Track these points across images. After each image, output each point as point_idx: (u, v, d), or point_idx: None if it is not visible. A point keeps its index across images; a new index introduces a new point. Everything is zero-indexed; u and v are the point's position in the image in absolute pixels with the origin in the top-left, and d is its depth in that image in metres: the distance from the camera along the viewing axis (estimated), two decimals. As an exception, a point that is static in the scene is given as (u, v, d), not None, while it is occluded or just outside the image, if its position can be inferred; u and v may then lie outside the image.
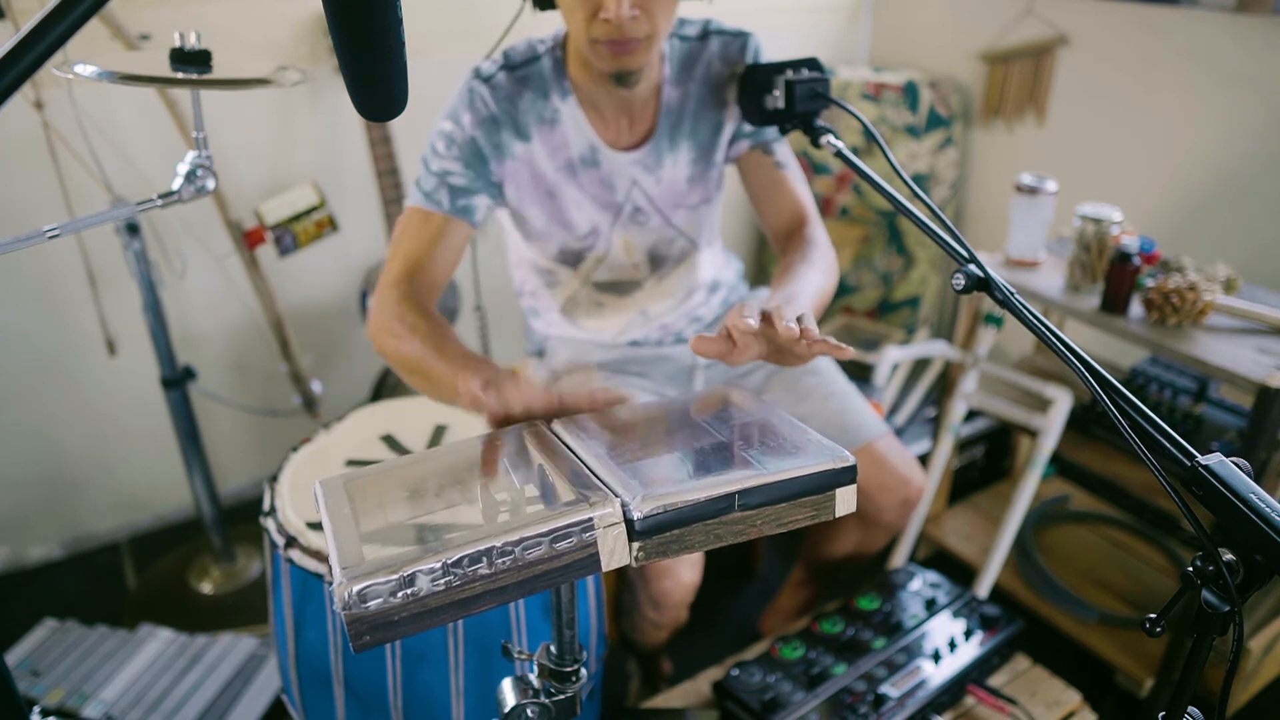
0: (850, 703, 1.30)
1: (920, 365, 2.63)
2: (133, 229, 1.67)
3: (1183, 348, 1.43)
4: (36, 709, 1.36)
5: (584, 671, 0.82)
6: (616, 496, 0.66)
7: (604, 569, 0.65)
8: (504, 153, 1.27)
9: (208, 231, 2.04)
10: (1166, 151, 2.19)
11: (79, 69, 0.98)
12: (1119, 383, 0.72)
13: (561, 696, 0.81)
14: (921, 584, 1.54)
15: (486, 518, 0.67)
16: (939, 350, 1.92)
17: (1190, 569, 0.64)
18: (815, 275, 1.18)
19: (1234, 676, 0.67)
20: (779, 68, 1.16)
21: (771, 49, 1.34)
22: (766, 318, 0.90)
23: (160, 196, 1.07)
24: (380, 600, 0.59)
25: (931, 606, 1.48)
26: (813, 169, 2.64)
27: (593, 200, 1.33)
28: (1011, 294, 0.83)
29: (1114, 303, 1.53)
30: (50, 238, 0.92)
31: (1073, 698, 1.43)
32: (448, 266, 1.25)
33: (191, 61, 1.03)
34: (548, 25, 1.29)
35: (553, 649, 0.81)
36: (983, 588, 1.79)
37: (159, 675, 1.71)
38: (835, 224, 2.67)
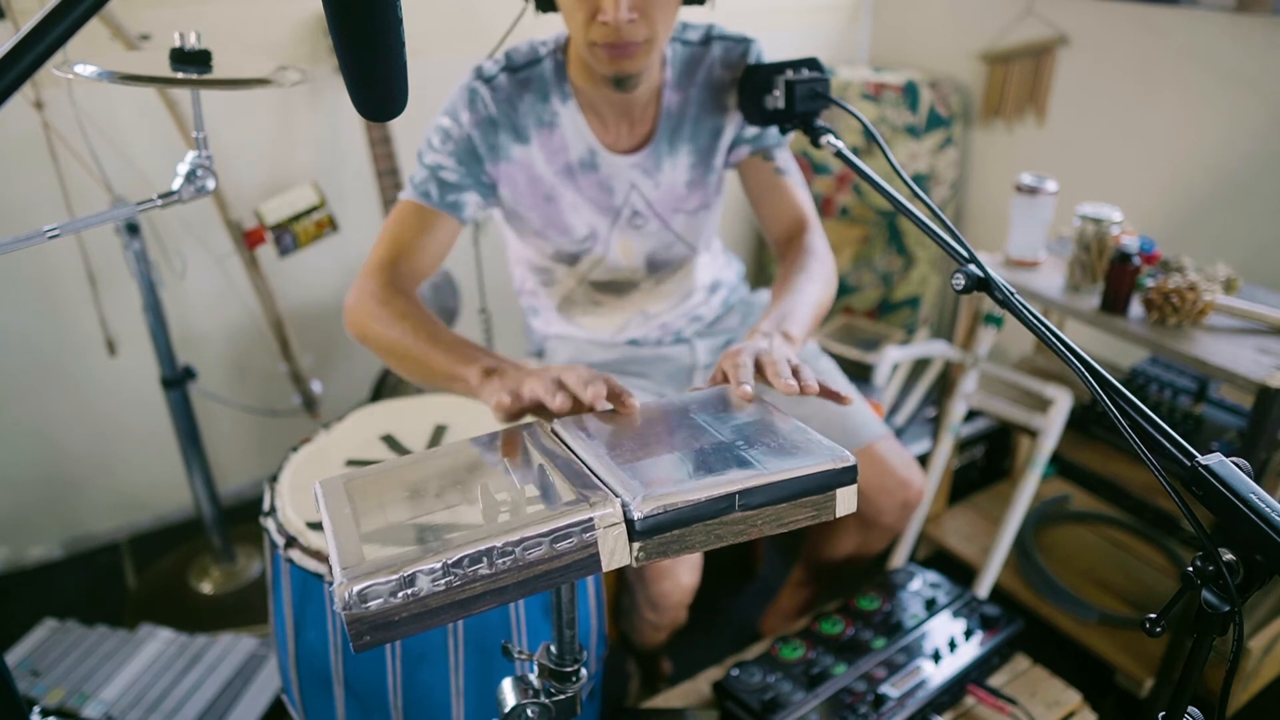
0: (850, 703, 1.30)
1: (920, 365, 2.63)
2: (133, 229, 1.67)
3: (1183, 348, 1.43)
4: (36, 709, 1.36)
5: (584, 671, 0.82)
6: (617, 496, 0.66)
7: (604, 569, 0.65)
8: (500, 155, 1.27)
9: (208, 231, 2.04)
10: (1166, 151, 2.19)
11: (79, 69, 0.98)
12: (1119, 383, 0.73)
13: (561, 696, 0.81)
14: (921, 584, 1.55)
15: (487, 518, 0.67)
16: (939, 350, 1.92)
17: (1190, 569, 0.64)
18: (813, 287, 1.18)
19: (1234, 676, 0.67)
20: (779, 68, 1.16)
21: (771, 49, 1.34)
22: (760, 369, 0.92)
23: (160, 196, 1.07)
24: (381, 600, 0.59)
25: (931, 606, 1.48)
26: (813, 169, 2.64)
27: (591, 204, 1.33)
28: (1011, 294, 0.83)
29: (1114, 303, 1.53)
30: (50, 238, 0.92)
31: (1073, 698, 1.43)
32: (433, 259, 1.25)
33: (191, 61, 1.03)
34: (549, 27, 1.30)
35: (553, 649, 0.81)
36: (983, 588, 1.79)
37: (159, 675, 1.71)
38: (835, 224, 2.67)
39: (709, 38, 1.32)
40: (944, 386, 1.96)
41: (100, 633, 1.82)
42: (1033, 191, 1.66)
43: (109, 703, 1.64)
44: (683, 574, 1.36)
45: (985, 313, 1.79)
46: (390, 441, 1.34)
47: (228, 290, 2.13)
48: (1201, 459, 0.65)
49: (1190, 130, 2.13)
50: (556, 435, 0.83)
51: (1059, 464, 1.95)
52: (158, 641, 1.79)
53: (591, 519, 0.64)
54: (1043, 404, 1.74)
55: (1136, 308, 1.55)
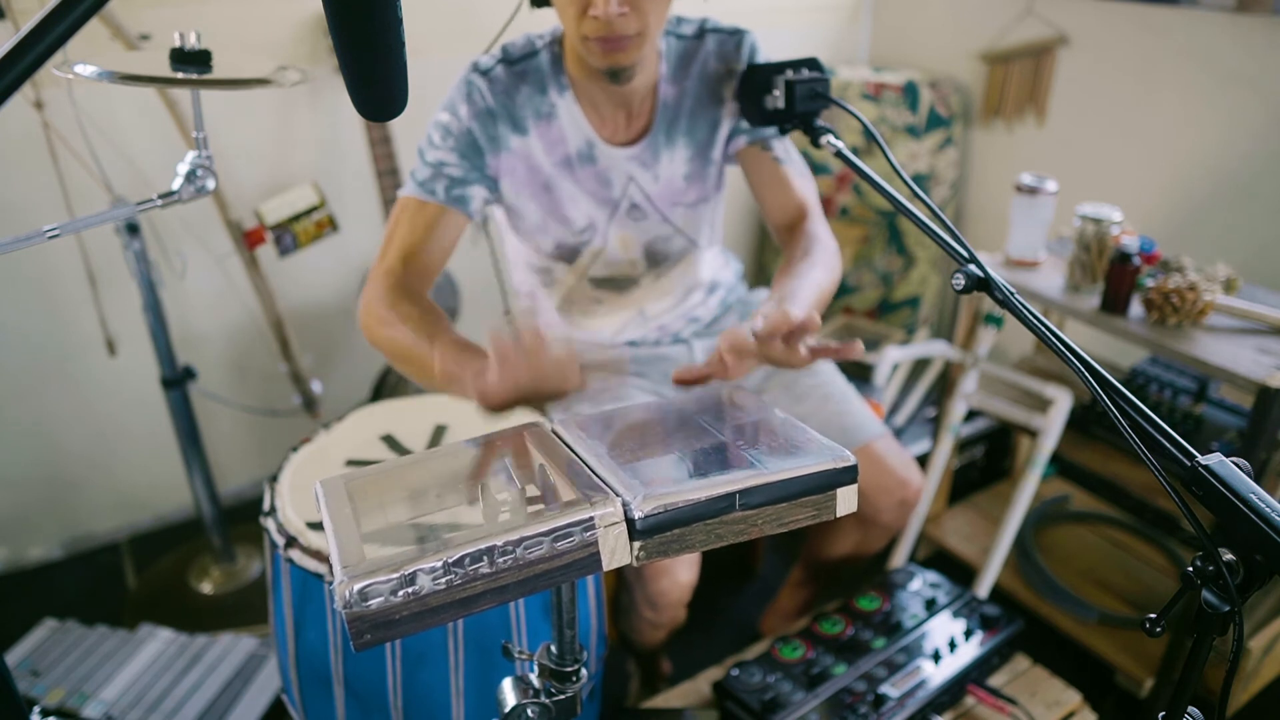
0: (850, 703, 1.30)
1: (920, 365, 2.63)
2: (133, 229, 1.67)
3: (1183, 348, 1.43)
4: (36, 709, 1.36)
5: (584, 671, 0.82)
6: (617, 496, 0.66)
7: (605, 568, 0.65)
8: (500, 146, 1.27)
9: (208, 231, 2.04)
10: (1166, 151, 2.19)
11: (79, 69, 0.98)
12: (1119, 383, 0.73)
13: (561, 696, 0.81)
14: (921, 584, 1.55)
15: (487, 517, 0.67)
16: (939, 350, 1.92)
17: (1190, 569, 0.64)
18: (816, 272, 1.18)
19: (1234, 676, 0.67)
20: (779, 68, 1.16)
21: (771, 49, 1.34)
22: (763, 335, 0.92)
23: (160, 196, 1.07)
24: (381, 599, 0.59)
25: (931, 606, 1.48)
26: (813, 169, 2.63)
27: (589, 196, 1.33)
28: (1011, 294, 0.83)
29: (1114, 303, 1.53)
30: (50, 238, 0.92)
31: (1073, 698, 1.43)
32: (441, 256, 1.25)
33: (191, 61, 1.03)
34: (546, 23, 1.30)
35: (553, 649, 0.81)
36: (983, 588, 1.79)
37: (159, 675, 1.71)
38: (835, 224, 2.67)
39: (703, 31, 1.32)
40: (944, 386, 1.96)
41: (100, 633, 1.82)
42: (1033, 191, 1.66)
43: (109, 703, 1.64)
44: (681, 572, 1.36)
45: (985, 313, 1.79)
46: (390, 441, 1.34)
47: (228, 290, 2.13)
48: (1201, 459, 0.65)
49: (1190, 130, 2.13)
50: (557, 435, 0.83)
51: (1059, 464, 1.95)
52: (158, 641, 1.79)
53: (592, 518, 0.64)
54: (1043, 404, 1.74)
55: (1136, 308, 1.55)
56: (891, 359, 1.96)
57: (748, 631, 1.91)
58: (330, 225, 2.02)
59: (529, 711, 0.81)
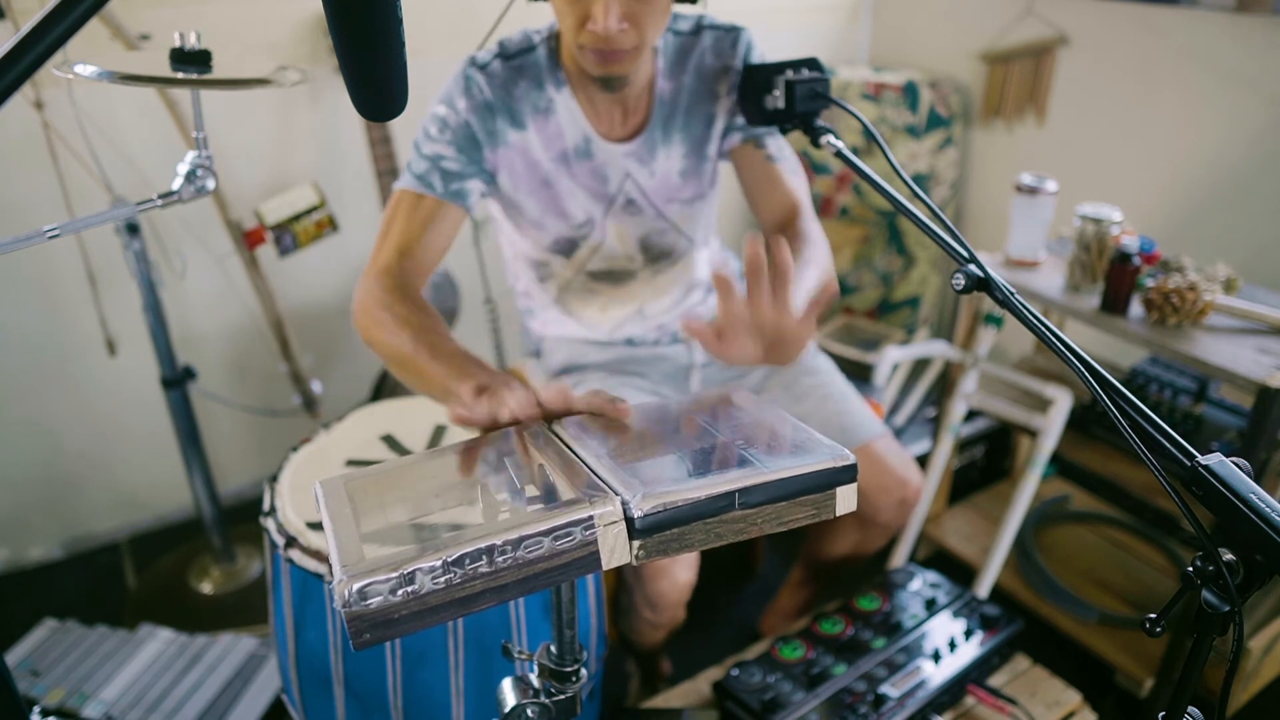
0: (850, 703, 1.30)
1: (920, 365, 2.63)
2: (133, 229, 1.67)
3: (1183, 348, 1.43)
4: (36, 709, 1.36)
5: (584, 671, 0.82)
6: (617, 495, 0.66)
7: (604, 567, 0.65)
8: (498, 140, 1.27)
9: (208, 231, 2.04)
10: (1166, 151, 2.19)
11: (79, 69, 0.98)
12: (1119, 383, 0.73)
13: (561, 696, 0.81)
14: (921, 584, 1.55)
15: (487, 516, 0.67)
16: (939, 350, 1.92)
17: (1190, 569, 0.64)
18: (809, 270, 1.17)
19: (1234, 676, 0.67)
20: (779, 68, 1.16)
21: (771, 49, 1.34)
22: (748, 271, 0.88)
23: (160, 196, 1.07)
24: (380, 598, 0.59)
25: (931, 606, 1.48)
26: (813, 169, 2.64)
27: (586, 191, 1.33)
28: (1011, 294, 0.83)
29: (1114, 303, 1.53)
30: (50, 238, 0.92)
31: (1073, 698, 1.43)
32: (438, 251, 1.24)
33: (191, 61, 1.03)
34: (542, 21, 1.30)
35: (553, 649, 0.81)
36: (983, 588, 1.79)
37: (159, 675, 1.71)
38: (835, 224, 2.68)
39: (699, 27, 1.32)
40: (944, 386, 1.96)
41: (100, 633, 1.82)
42: (1033, 191, 1.66)
43: (109, 703, 1.64)
44: (680, 572, 1.36)
45: (985, 313, 1.79)
46: (390, 441, 1.34)
47: (228, 290, 2.13)
48: (1201, 459, 0.65)
49: (1190, 130, 2.13)
50: (557, 435, 0.83)
51: (1059, 464, 1.95)
52: (158, 641, 1.79)
53: (591, 517, 0.64)
54: (1043, 404, 1.74)
55: (1136, 308, 1.55)
56: (891, 359, 1.96)
57: (748, 631, 1.91)
58: (330, 225, 2.02)
59: (529, 711, 0.81)
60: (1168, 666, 1.60)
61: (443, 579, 0.60)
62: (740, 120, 1.34)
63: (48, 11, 0.51)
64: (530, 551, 0.62)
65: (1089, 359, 0.75)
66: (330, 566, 0.76)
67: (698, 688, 1.45)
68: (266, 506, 1.20)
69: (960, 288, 0.84)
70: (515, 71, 1.26)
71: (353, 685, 1.17)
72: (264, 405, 2.27)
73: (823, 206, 2.65)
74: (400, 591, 0.59)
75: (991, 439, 2.20)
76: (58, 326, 1.99)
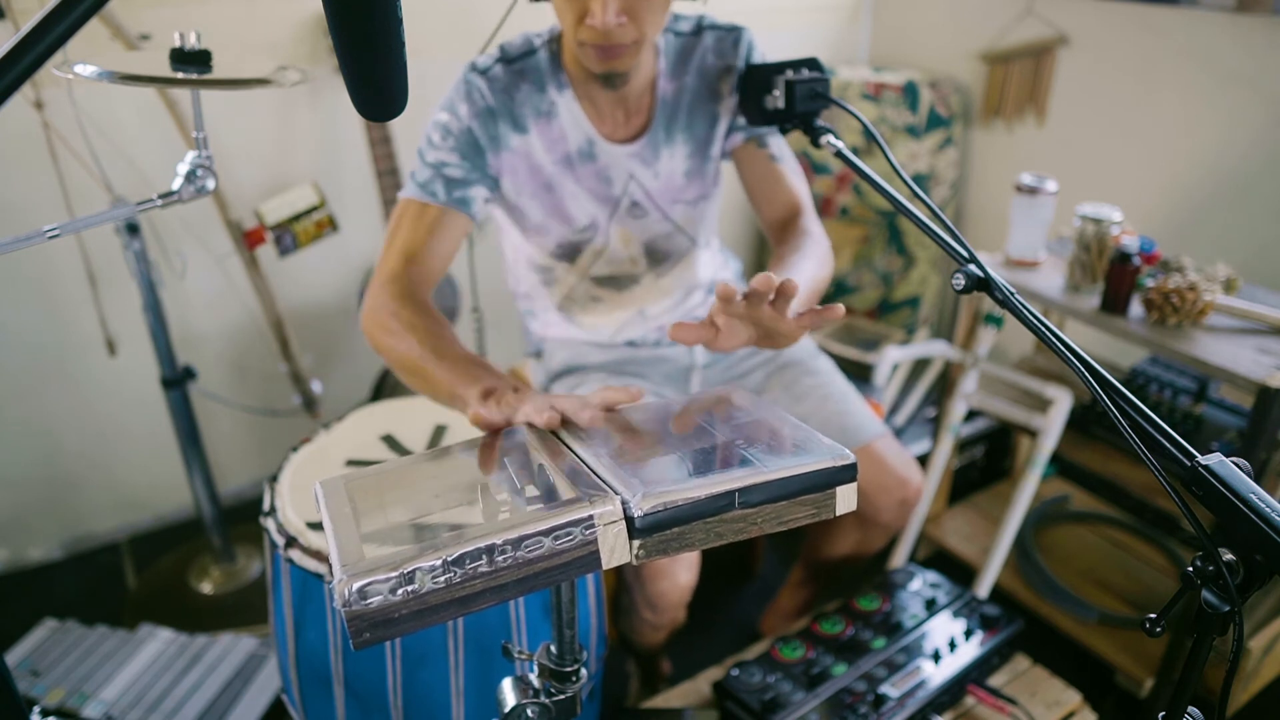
0: (850, 703, 1.30)
1: (920, 365, 2.63)
2: (133, 229, 1.67)
3: (1183, 348, 1.43)
4: (36, 709, 1.36)
5: (584, 671, 0.82)
6: (617, 494, 0.66)
7: (604, 567, 0.65)
8: (500, 145, 1.27)
9: (208, 231, 2.04)
10: (1166, 151, 2.19)
11: (79, 69, 0.98)
12: (1119, 383, 0.73)
13: (561, 696, 0.81)
14: (921, 584, 1.54)
15: (487, 516, 0.67)
16: (939, 350, 1.92)
17: (1190, 569, 0.64)
18: (808, 264, 1.17)
19: (1234, 676, 0.67)
20: (779, 68, 1.17)
21: (771, 49, 1.34)
22: (751, 294, 0.89)
23: (160, 196, 1.07)
24: (380, 598, 0.59)
25: (931, 606, 1.48)
26: (813, 169, 2.64)
27: (590, 193, 1.33)
28: (1011, 294, 0.83)
29: (1114, 303, 1.53)
30: (50, 238, 0.92)
31: (1073, 698, 1.43)
32: (444, 259, 1.25)
33: (191, 61, 1.03)
34: (544, 22, 1.30)
35: (553, 649, 0.81)
36: (983, 588, 1.79)
37: (159, 675, 1.71)
38: (835, 224, 2.67)
39: (700, 27, 1.32)
40: (944, 386, 1.96)
41: (100, 633, 1.82)
42: (1033, 191, 1.66)
43: (109, 703, 1.64)
44: (680, 573, 1.36)
45: (985, 313, 1.79)
46: (390, 441, 1.34)
47: (228, 290, 2.13)
48: (1201, 459, 0.65)
49: (1190, 130, 2.13)
50: (556, 435, 0.83)
51: (1059, 464, 1.95)
52: (158, 641, 1.79)
53: (591, 516, 0.64)
54: (1043, 404, 1.74)
55: (1136, 308, 1.55)
56: (891, 359, 1.96)
57: (748, 631, 1.91)
58: (330, 225, 2.02)
59: (529, 711, 0.81)
60: (1168, 666, 1.60)
61: (442, 578, 0.60)
62: (743, 120, 1.34)
63: (48, 11, 0.51)
64: (530, 551, 0.62)
65: (1089, 359, 0.75)
66: (330, 566, 0.76)
67: (698, 688, 1.45)
68: (266, 506, 1.20)
69: (960, 288, 0.84)
70: (517, 75, 1.26)
71: (353, 685, 1.17)
72: (264, 405, 2.27)
73: (823, 206, 2.65)
74: (400, 591, 0.59)
75: (991, 439, 2.20)
76: (58, 326, 1.99)
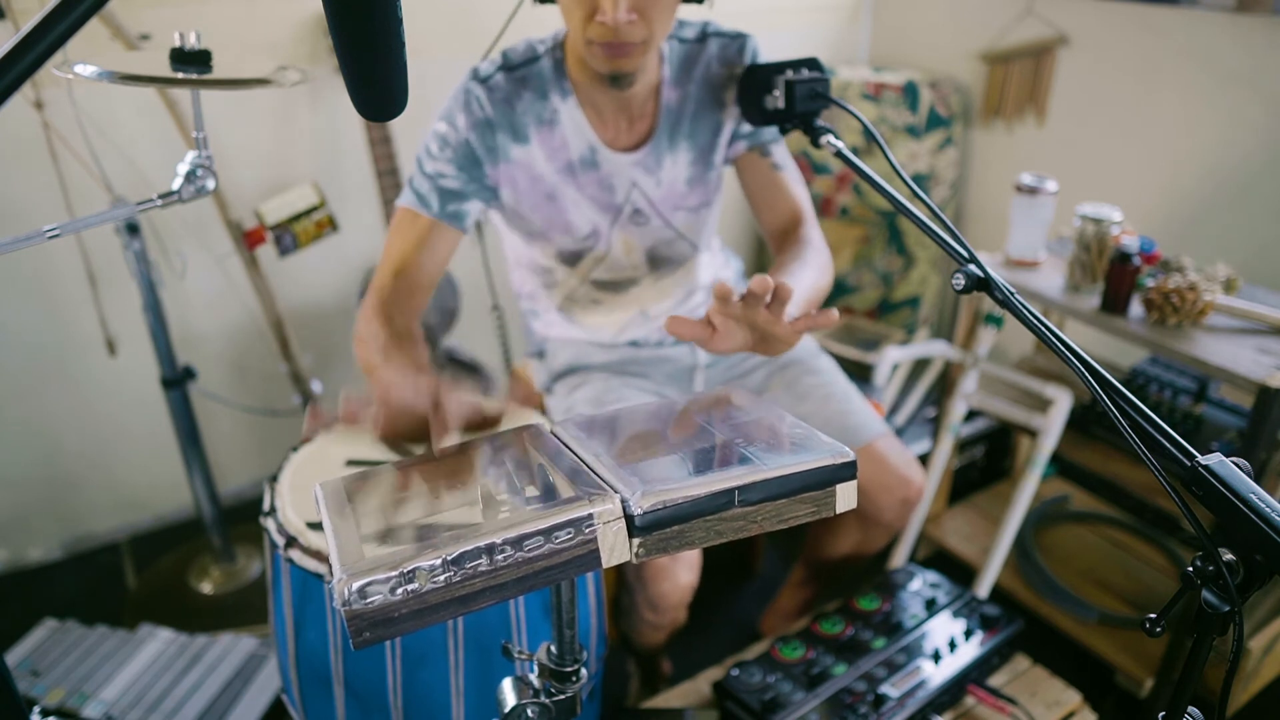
0: (850, 703, 1.30)
1: (920, 365, 2.63)
2: (133, 229, 1.67)
3: (1183, 348, 1.43)
4: (36, 709, 1.36)
5: (584, 671, 0.82)
6: (616, 493, 0.66)
7: (604, 565, 0.65)
8: (499, 156, 1.27)
9: (208, 231, 2.04)
10: (1166, 151, 2.19)
11: (79, 69, 0.98)
12: (1119, 383, 0.73)
13: (561, 696, 0.81)
14: (921, 584, 1.55)
15: (486, 515, 0.67)
16: (939, 350, 1.92)
17: (1190, 569, 0.64)
18: (808, 272, 1.17)
19: (1234, 676, 0.67)
20: (779, 68, 1.16)
21: (771, 49, 1.34)
22: (749, 295, 0.88)
23: (160, 196, 1.07)
24: (380, 597, 0.59)
25: (931, 606, 1.48)
26: (813, 169, 2.64)
27: (592, 202, 1.33)
28: (1011, 294, 0.83)
29: (1114, 303, 1.53)
30: (50, 238, 0.92)
31: (1073, 698, 1.43)
32: (434, 270, 1.25)
33: (191, 61, 1.03)
34: (547, 25, 1.30)
35: (553, 649, 0.81)
36: (983, 588, 1.79)
37: (159, 675, 1.71)
38: (835, 224, 2.67)
39: (705, 34, 1.32)
40: (944, 386, 1.96)
41: (100, 633, 1.82)
42: (1033, 191, 1.66)
43: (109, 703, 1.64)
44: (681, 573, 1.36)
45: (985, 313, 1.79)
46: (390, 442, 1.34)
47: (228, 290, 2.13)
48: (1201, 459, 0.65)
49: (1190, 130, 2.13)
50: (556, 435, 0.83)
51: (1059, 464, 1.95)
52: (158, 641, 1.79)
53: (591, 515, 0.64)
54: (1043, 404, 1.74)
55: (1136, 308, 1.55)
56: (891, 359, 1.96)
57: (748, 631, 1.91)
58: (330, 225, 2.02)
59: (529, 711, 0.81)
60: (1168, 666, 1.60)
61: (442, 577, 0.60)
62: (746, 128, 1.34)
63: (48, 11, 0.51)
64: (530, 550, 0.62)
65: (1089, 359, 0.75)
66: (330, 566, 0.76)
67: (698, 688, 1.45)
68: (266, 506, 1.20)
69: (960, 288, 0.85)
70: (519, 83, 1.26)
71: (353, 685, 1.17)
72: (264, 405, 2.27)
73: (823, 206, 2.65)
74: (400, 590, 0.59)
75: (991, 439, 2.20)
76: (58, 326, 1.99)
